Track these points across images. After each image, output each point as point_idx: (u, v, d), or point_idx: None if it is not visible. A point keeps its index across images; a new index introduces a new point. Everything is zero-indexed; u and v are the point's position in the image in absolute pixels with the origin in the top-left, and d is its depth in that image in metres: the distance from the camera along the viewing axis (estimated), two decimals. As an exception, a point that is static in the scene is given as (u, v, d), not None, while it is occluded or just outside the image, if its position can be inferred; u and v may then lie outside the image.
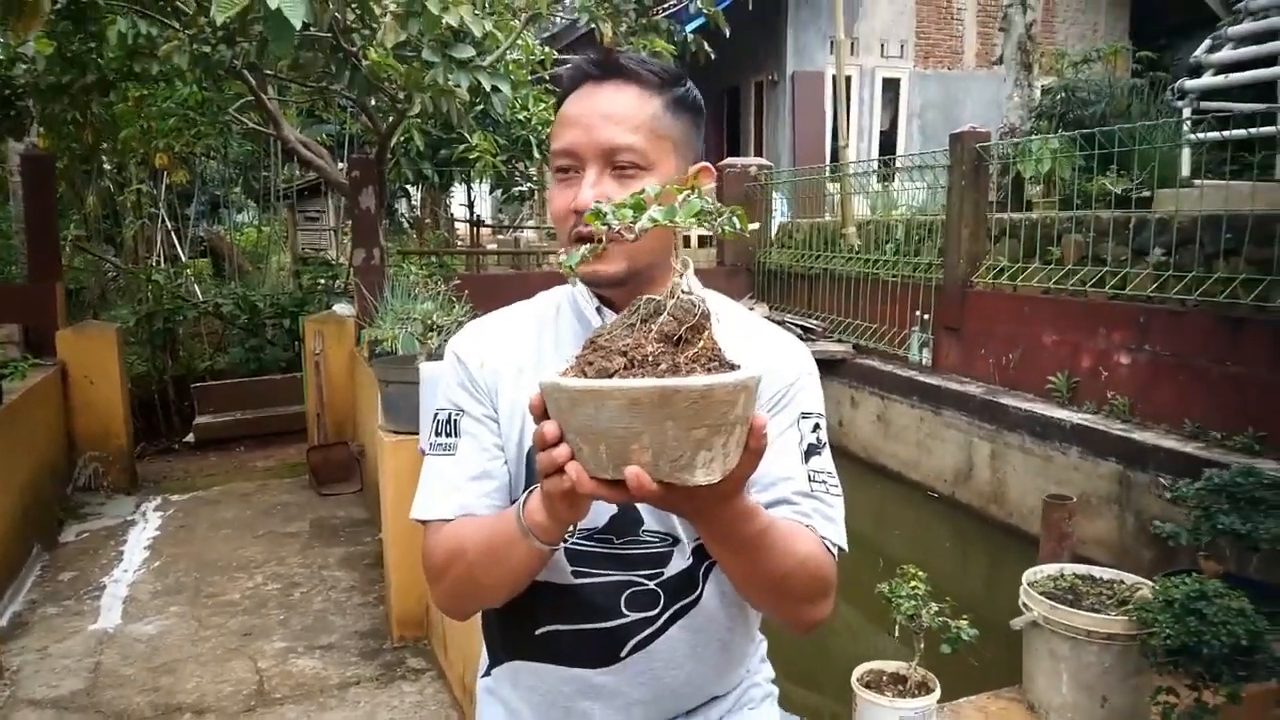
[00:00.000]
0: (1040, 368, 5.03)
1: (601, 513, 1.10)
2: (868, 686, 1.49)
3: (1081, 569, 1.76)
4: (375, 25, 4.08)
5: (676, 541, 1.13)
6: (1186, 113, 5.54)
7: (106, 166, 9.40)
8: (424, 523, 1.16)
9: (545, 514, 0.94)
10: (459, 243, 11.74)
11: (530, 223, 13.54)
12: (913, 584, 1.45)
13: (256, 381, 8.18)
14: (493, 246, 12.05)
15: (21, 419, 5.18)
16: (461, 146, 7.67)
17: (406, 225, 11.68)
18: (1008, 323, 5.32)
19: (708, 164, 1.16)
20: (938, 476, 5.52)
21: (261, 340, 8.78)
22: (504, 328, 1.23)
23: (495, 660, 1.25)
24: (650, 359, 0.77)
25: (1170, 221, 4.56)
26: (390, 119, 6.15)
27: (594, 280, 1.12)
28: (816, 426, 1.17)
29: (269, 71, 5.84)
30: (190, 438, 7.72)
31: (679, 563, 1.13)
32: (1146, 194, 5.46)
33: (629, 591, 1.12)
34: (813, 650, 3.94)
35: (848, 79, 10.88)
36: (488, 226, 13.09)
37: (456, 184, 9.51)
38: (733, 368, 0.78)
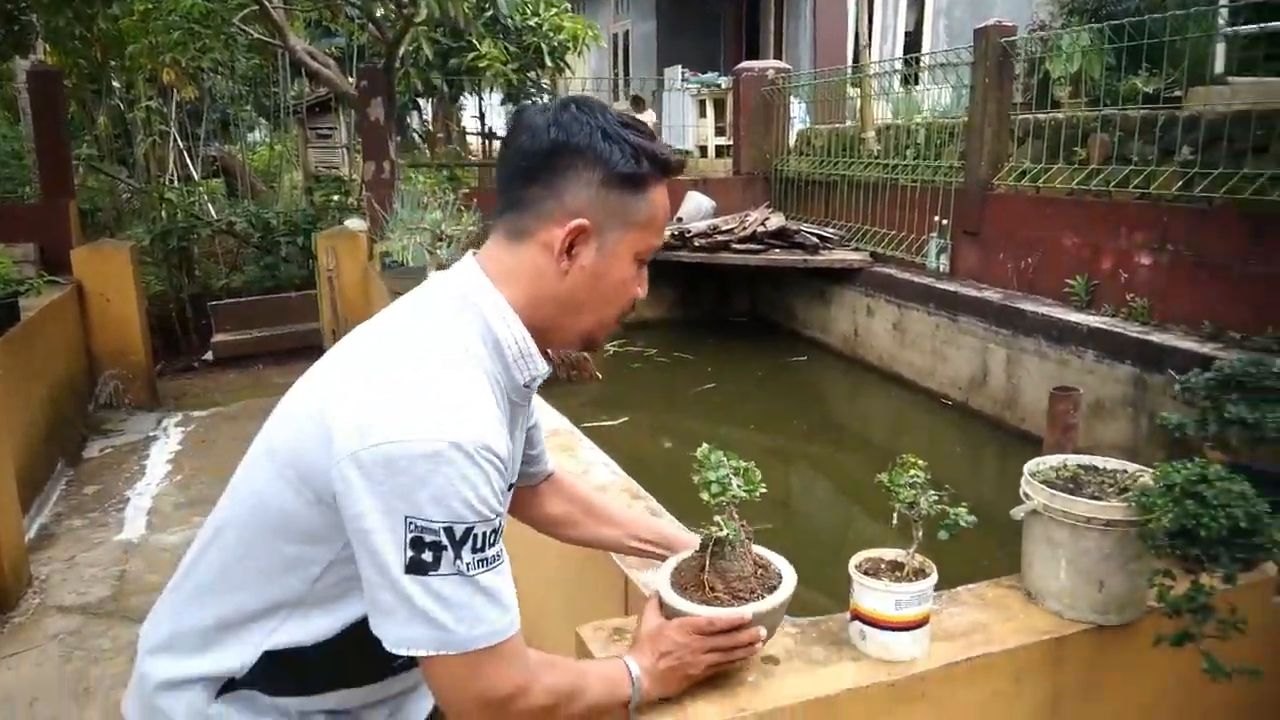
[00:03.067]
0: (1059, 271, 4.94)
1: None
2: (866, 573, 1.49)
3: (1085, 459, 1.74)
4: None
5: None
6: (1223, 3, 5.29)
7: (115, 84, 9.30)
8: (498, 645, 1.02)
9: (664, 690, 1.23)
10: (472, 156, 11.57)
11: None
12: (912, 472, 1.43)
13: (272, 299, 8.22)
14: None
15: (40, 337, 5.24)
16: (471, 55, 7.49)
17: (419, 139, 11.52)
18: (1028, 226, 5.21)
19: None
20: (952, 383, 5.48)
21: (276, 258, 8.79)
22: (492, 395, 1.09)
23: (289, 694, 1.19)
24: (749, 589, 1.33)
25: (1200, 119, 4.39)
26: (398, 26, 6.01)
27: (587, 349, 1.25)
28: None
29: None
30: (209, 355, 7.82)
31: None
32: (1178, 94, 5.26)
33: None
34: (822, 552, 3.99)
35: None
36: (500, 139, 12.87)
37: (467, 95, 9.32)
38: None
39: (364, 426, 0.99)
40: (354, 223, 6.93)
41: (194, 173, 10.30)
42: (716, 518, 1.35)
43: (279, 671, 1.16)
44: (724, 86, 10.70)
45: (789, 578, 1.36)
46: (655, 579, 1.38)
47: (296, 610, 1.13)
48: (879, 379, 6.22)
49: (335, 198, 9.32)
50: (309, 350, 7.50)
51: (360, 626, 1.08)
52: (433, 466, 0.96)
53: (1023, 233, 5.24)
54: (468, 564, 0.99)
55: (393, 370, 1.04)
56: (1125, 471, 1.73)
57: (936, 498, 1.48)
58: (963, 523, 1.45)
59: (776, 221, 7.22)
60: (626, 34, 15.61)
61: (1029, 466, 1.77)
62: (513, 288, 1.13)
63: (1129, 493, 1.58)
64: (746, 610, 1.27)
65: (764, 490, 1.31)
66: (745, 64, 8.64)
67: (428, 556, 0.97)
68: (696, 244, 7.09)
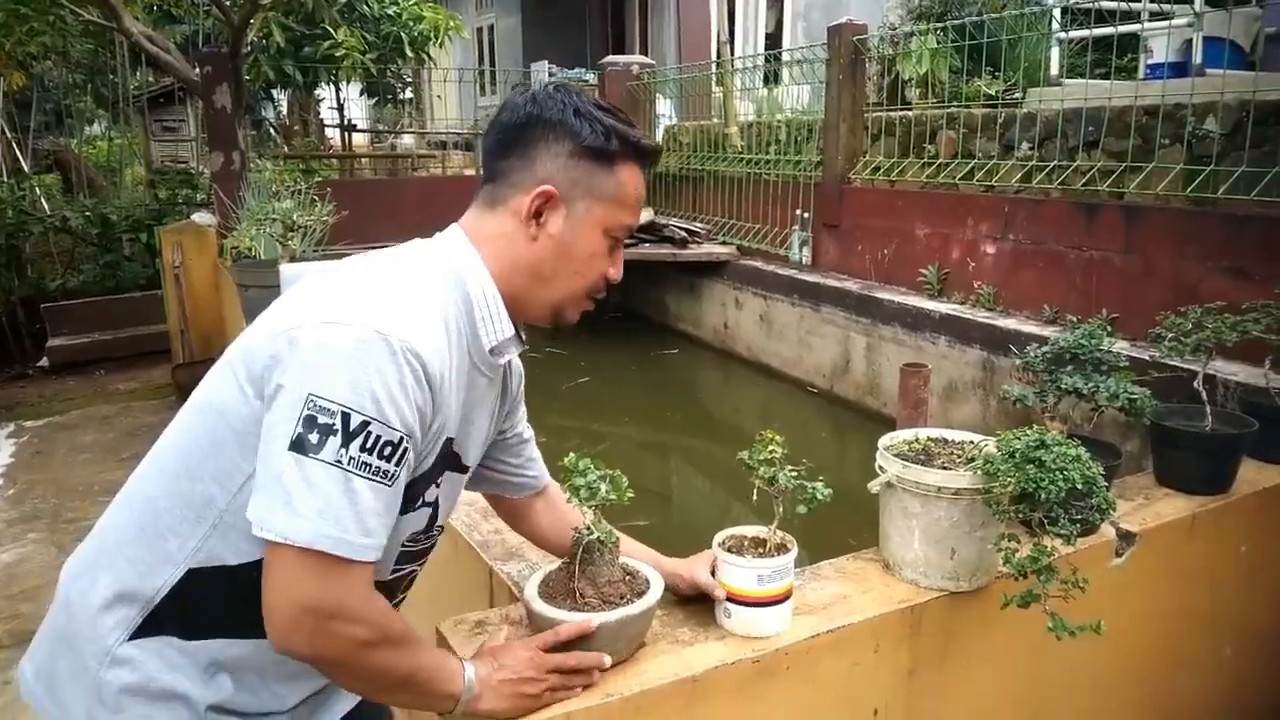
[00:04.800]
0: (913, 261, 5.16)
1: (424, 516, 1.22)
2: (729, 551, 1.50)
3: (935, 432, 1.80)
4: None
5: (443, 530, 1.31)
6: (1056, 12, 5.64)
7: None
8: (335, 557, 0.98)
9: (495, 705, 1.17)
10: (332, 148, 11.16)
11: (411, 128, 12.99)
12: (770, 448, 1.44)
13: (114, 300, 7.71)
14: (369, 153, 11.51)
15: None
16: (327, 44, 7.20)
17: (274, 132, 11.03)
18: (883, 218, 5.41)
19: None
20: (817, 372, 5.64)
21: (117, 256, 8.25)
22: (444, 325, 1.10)
23: (207, 634, 1.11)
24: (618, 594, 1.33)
25: (1036, 117, 4.67)
26: (244, 8, 5.71)
27: (558, 322, 1.26)
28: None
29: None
30: (44, 362, 7.26)
31: (438, 545, 1.34)
32: (1018, 95, 5.58)
33: (409, 578, 1.31)
34: (699, 542, 4.03)
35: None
36: (361, 132, 12.47)
37: (325, 85, 8.98)
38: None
39: (308, 311, 1.03)
40: (201, 216, 6.57)
41: (24, 167, 9.54)
42: (586, 521, 1.33)
43: (199, 597, 1.09)
44: (591, 82, 10.70)
45: (656, 583, 1.37)
46: (525, 587, 1.35)
47: (219, 526, 1.09)
48: (749, 370, 6.34)
49: (183, 193, 8.81)
50: (155, 354, 7.07)
51: None
52: (353, 351, 0.97)
53: (879, 225, 5.44)
54: (350, 459, 0.97)
55: (351, 280, 1.09)
56: (972, 442, 1.80)
57: (795, 473, 1.50)
58: (819, 496, 1.47)
59: (646, 216, 7.26)
60: (491, 27, 15.41)
61: (883, 441, 1.82)
62: (487, 250, 1.18)
63: (975, 462, 1.65)
64: (600, 618, 1.27)
65: (631, 495, 1.31)
66: (609, 59, 8.65)
67: (314, 438, 0.96)
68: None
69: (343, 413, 0.96)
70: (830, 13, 12.15)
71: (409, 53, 8.04)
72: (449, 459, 1.21)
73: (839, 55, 5.58)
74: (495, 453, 1.47)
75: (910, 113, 5.61)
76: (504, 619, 1.48)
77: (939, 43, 5.82)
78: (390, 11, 7.75)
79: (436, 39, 8.13)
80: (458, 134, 11.64)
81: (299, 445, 0.96)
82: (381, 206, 6.72)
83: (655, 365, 6.86)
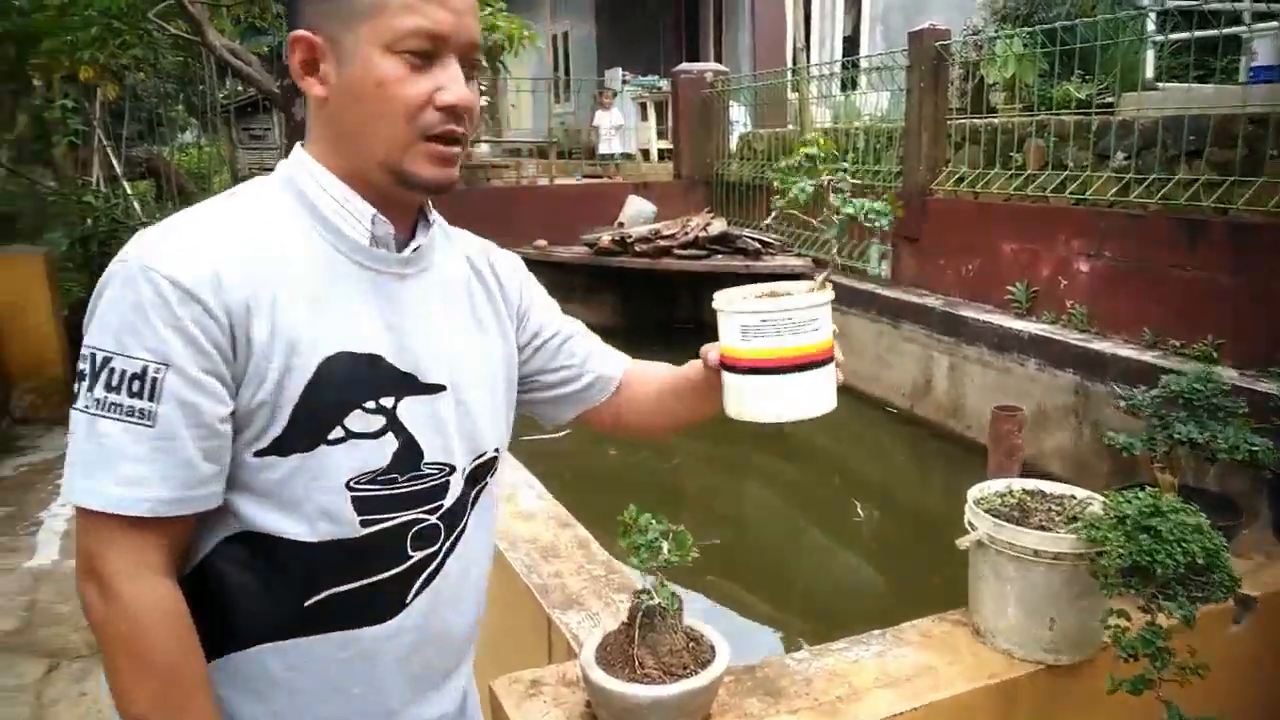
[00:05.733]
0: (1000, 278, 4.93)
1: (383, 450, 1.00)
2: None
3: (1030, 484, 1.66)
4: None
5: (453, 470, 1.07)
6: (1152, 14, 5.35)
7: (36, 83, 8.88)
8: (97, 513, 0.89)
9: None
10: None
11: (486, 137, 13.10)
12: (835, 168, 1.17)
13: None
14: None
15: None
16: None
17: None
18: (968, 232, 5.20)
19: None
20: (896, 391, 5.45)
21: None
22: (239, 240, 0.94)
23: (217, 652, 0.99)
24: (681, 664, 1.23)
25: (1133, 125, 4.41)
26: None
27: (444, 187, 1.00)
28: None
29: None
30: (132, 366, 7.47)
31: (455, 490, 1.07)
32: (1110, 100, 5.31)
33: (414, 530, 1.04)
34: (757, 550, 3.90)
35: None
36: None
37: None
38: None
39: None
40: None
41: (118, 173, 9.89)
42: (646, 584, 1.23)
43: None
44: (664, 89, 10.63)
45: (723, 651, 1.25)
46: (583, 649, 1.26)
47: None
48: (822, 386, 6.17)
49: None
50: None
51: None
52: (116, 287, 0.89)
53: (962, 238, 5.23)
54: (95, 401, 0.88)
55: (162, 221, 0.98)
56: (1074, 498, 1.65)
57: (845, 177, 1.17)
58: (877, 214, 1.11)
59: (718, 226, 7.14)
60: (566, 35, 15.46)
61: (973, 493, 1.68)
62: (313, 146, 1.03)
63: (1078, 523, 1.50)
64: (658, 692, 1.16)
65: (696, 555, 1.20)
66: (683, 66, 8.56)
67: (77, 386, 0.90)
68: (638, 249, 6.98)
69: (90, 354, 0.89)
70: (911, 16, 11.86)
71: (483, 62, 8.06)
72: (381, 377, 0.99)
73: (920, 61, 5.38)
74: (540, 363, 1.24)
75: (995, 120, 5.38)
76: (561, 679, 1.39)
77: (1025, 46, 5.58)
78: (467, 23, 7.78)
79: (510, 48, 8.14)
80: (532, 141, 11.69)
81: (73, 396, 0.91)
82: (450, 216, 6.73)
83: (727, 379, 6.71)
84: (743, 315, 1.03)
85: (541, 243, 7.34)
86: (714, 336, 1.15)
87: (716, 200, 8.10)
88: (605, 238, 7.07)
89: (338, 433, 0.97)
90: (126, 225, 8.47)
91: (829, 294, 1.07)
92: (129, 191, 9.61)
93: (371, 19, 0.93)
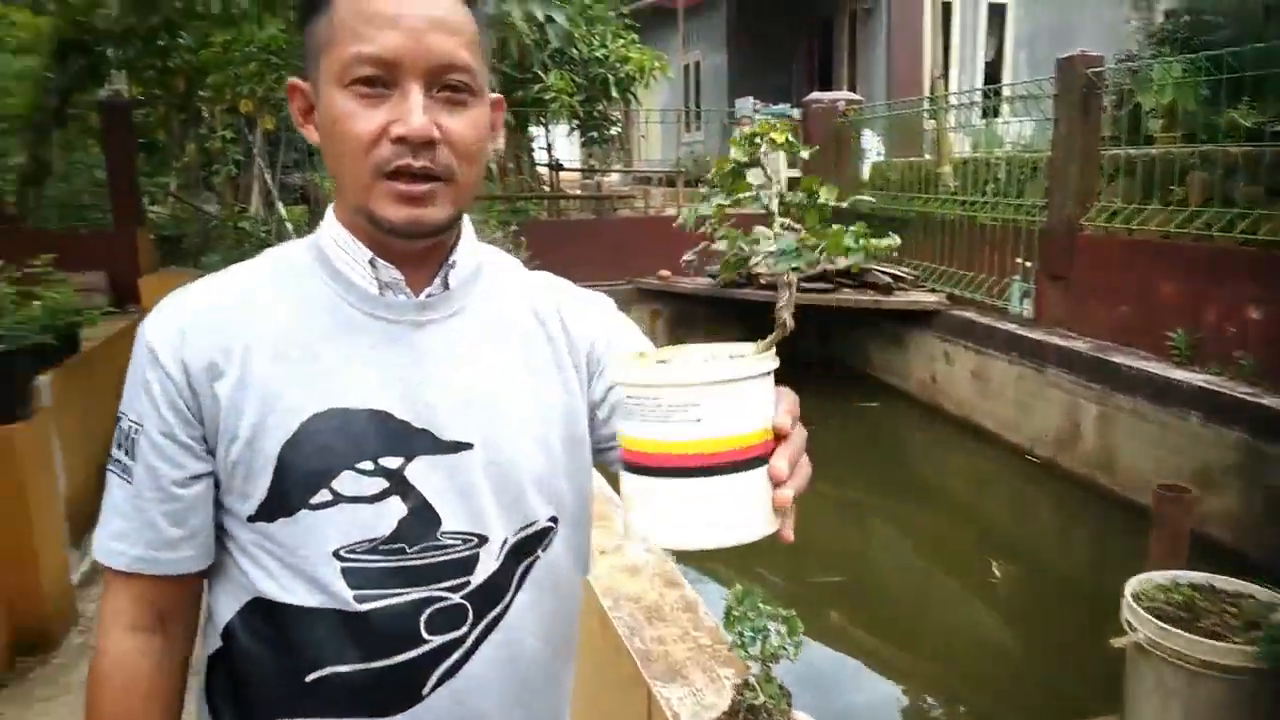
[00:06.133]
0: (1157, 322, 4.55)
1: (385, 517, 0.89)
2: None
3: (1199, 578, 1.45)
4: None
5: (483, 541, 0.93)
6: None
7: (205, 114, 9.55)
8: (107, 567, 0.92)
9: None
10: (544, 188, 11.56)
11: (617, 167, 13.27)
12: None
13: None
14: (576, 191, 11.82)
15: (104, 366, 5.25)
16: (537, 87, 7.43)
17: (490, 170, 11.56)
18: (1121, 271, 4.83)
19: (500, 96, 0.97)
20: (1038, 439, 5.11)
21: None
22: (220, 296, 0.92)
23: None
24: None
25: (1317, 156, 4.01)
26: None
27: (415, 229, 0.88)
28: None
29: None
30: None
31: (488, 566, 0.93)
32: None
33: (429, 610, 0.91)
34: (879, 595, 3.68)
35: (946, 4, 10.15)
36: (570, 170, 12.86)
37: (534, 126, 9.30)
38: None
39: None
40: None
41: (276, 200, 10.50)
42: (752, 676, 1.12)
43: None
44: (795, 118, 10.51)
45: None
46: None
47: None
48: (957, 429, 5.86)
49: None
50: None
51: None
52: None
53: (1116, 278, 4.86)
54: (110, 455, 0.92)
55: None
56: (1251, 598, 1.44)
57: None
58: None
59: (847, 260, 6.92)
60: (697, 65, 15.51)
61: (1131, 586, 1.49)
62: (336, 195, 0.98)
63: (1258, 631, 1.29)
64: None
65: (801, 639, 1.08)
66: (815, 95, 8.41)
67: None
68: (763, 281, 6.84)
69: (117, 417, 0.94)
70: (1058, 40, 11.32)
71: (615, 93, 8.15)
72: (385, 435, 0.89)
73: (1070, 90, 5.06)
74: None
75: (1152, 151, 5.00)
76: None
77: (1185, 71, 5.17)
78: (599, 54, 7.89)
79: (642, 79, 8.20)
80: (660, 171, 11.74)
81: None
82: (581, 246, 6.80)
83: (854, 417, 6.49)
84: (622, 385, 0.73)
85: (665, 273, 7.30)
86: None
87: (846, 232, 7.86)
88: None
89: (323, 496, 0.88)
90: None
91: (749, 367, 0.71)
92: (283, 216, 10.18)
93: (326, 53, 0.87)
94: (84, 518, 4.52)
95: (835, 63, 12.61)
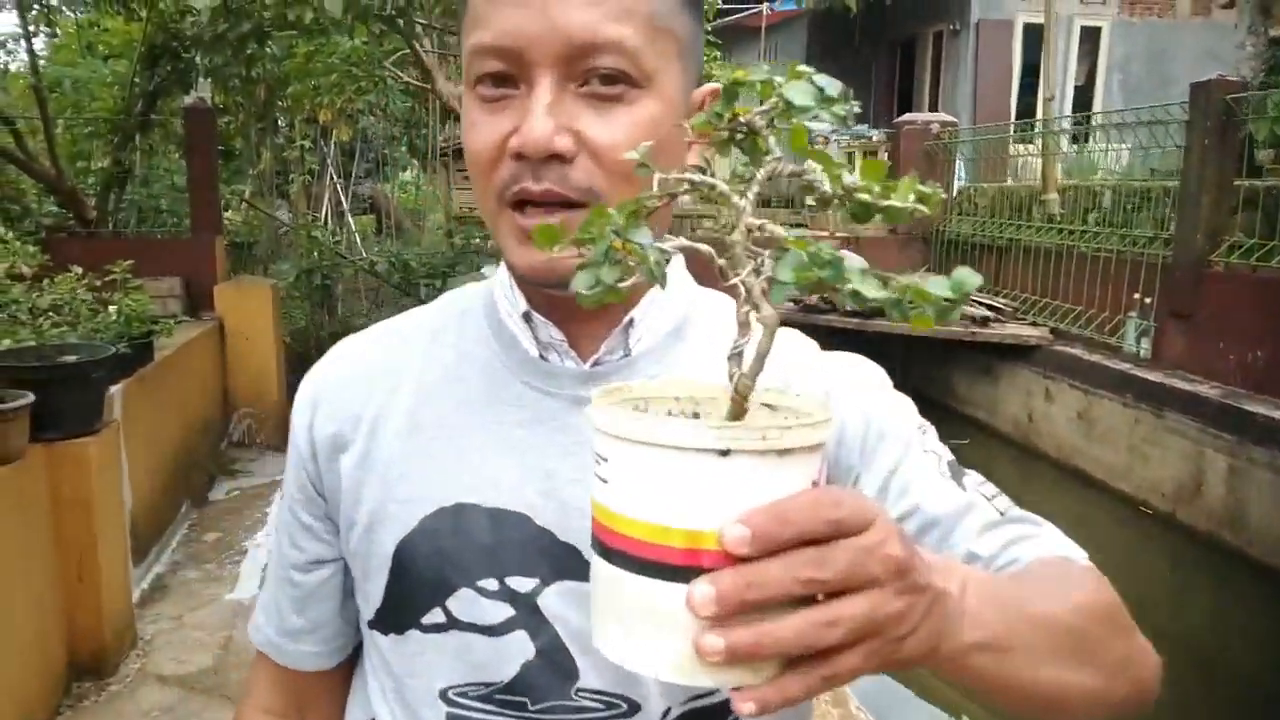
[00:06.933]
0: (1298, 369, 4.17)
1: (506, 656, 0.68)
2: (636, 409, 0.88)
3: None
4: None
5: (635, 710, 0.68)
6: None
7: (281, 124, 9.63)
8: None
9: None
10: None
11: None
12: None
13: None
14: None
15: (175, 374, 5.18)
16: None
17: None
18: (1255, 312, 4.46)
19: (718, 85, 0.62)
20: (1154, 489, 4.73)
21: (415, 300, 8.75)
22: (371, 349, 0.77)
23: None
24: None
25: None
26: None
27: (540, 278, 0.66)
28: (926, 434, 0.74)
29: (422, 21, 5.64)
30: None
31: None
32: None
33: None
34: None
35: (1038, 26, 9.80)
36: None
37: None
38: None
39: None
40: (489, 269, 6.74)
41: (347, 210, 10.54)
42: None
43: None
44: (874, 139, 10.22)
45: None
46: None
47: None
48: (1057, 473, 5.50)
49: (476, 239, 9.28)
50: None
51: None
52: None
53: (1249, 319, 4.49)
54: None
55: None
56: None
57: None
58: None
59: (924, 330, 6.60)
60: (775, 83, 15.34)
61: None
62: None
63: None
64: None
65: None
66: (907, 116, 8.12)
67: None
68: (847, 308, 6.55)
69: None
70: (1152, 65, 10.87)
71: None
72: (519, 547, 0.67)
73: (1206, 116, 4.70)
74: None
75: (1274, 183, 4.63)
76: None
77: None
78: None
79: (725, 96, 8.00)
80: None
81: None
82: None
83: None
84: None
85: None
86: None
87: (936, 258, 7.56)
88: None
89: (436, 616, 0.69)
90: (347, 260, 8.92)
91: (678, 433, 0.42)
92: (353, 226, 10.20)
93: (467, 50, 0.66)
94: (155, 528, 4.42)
95: (916, 81, 12.29)
